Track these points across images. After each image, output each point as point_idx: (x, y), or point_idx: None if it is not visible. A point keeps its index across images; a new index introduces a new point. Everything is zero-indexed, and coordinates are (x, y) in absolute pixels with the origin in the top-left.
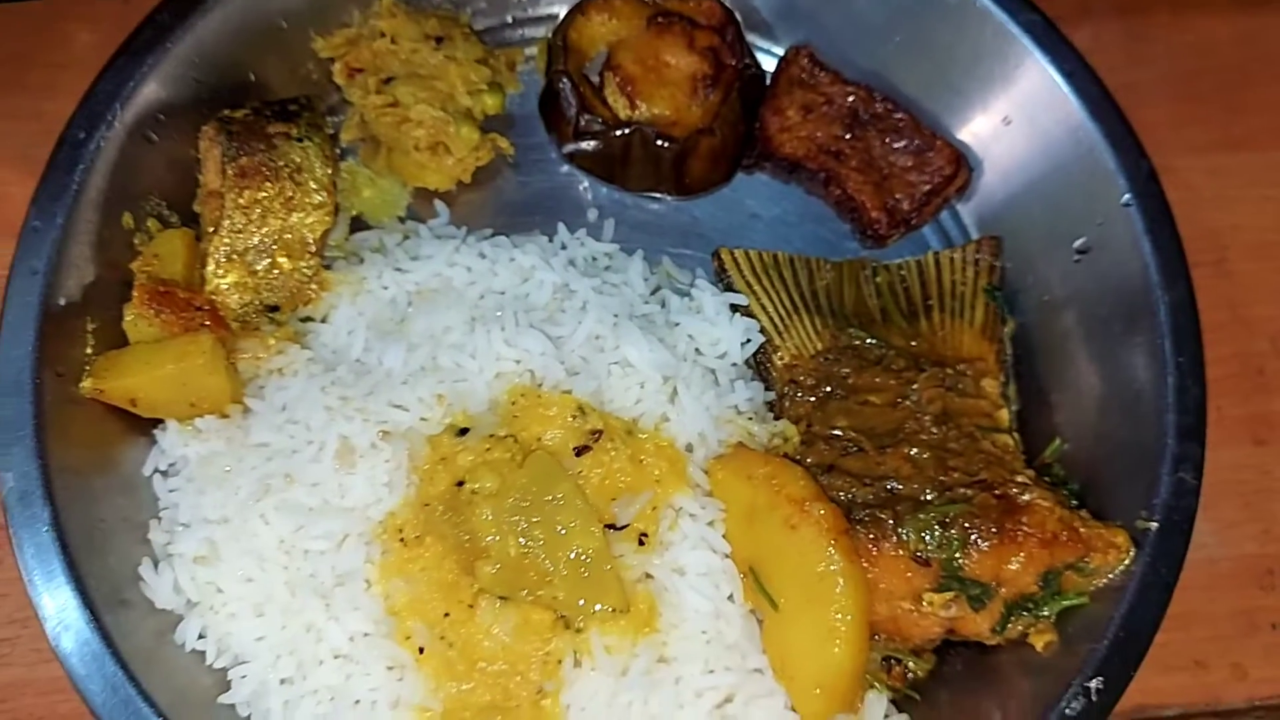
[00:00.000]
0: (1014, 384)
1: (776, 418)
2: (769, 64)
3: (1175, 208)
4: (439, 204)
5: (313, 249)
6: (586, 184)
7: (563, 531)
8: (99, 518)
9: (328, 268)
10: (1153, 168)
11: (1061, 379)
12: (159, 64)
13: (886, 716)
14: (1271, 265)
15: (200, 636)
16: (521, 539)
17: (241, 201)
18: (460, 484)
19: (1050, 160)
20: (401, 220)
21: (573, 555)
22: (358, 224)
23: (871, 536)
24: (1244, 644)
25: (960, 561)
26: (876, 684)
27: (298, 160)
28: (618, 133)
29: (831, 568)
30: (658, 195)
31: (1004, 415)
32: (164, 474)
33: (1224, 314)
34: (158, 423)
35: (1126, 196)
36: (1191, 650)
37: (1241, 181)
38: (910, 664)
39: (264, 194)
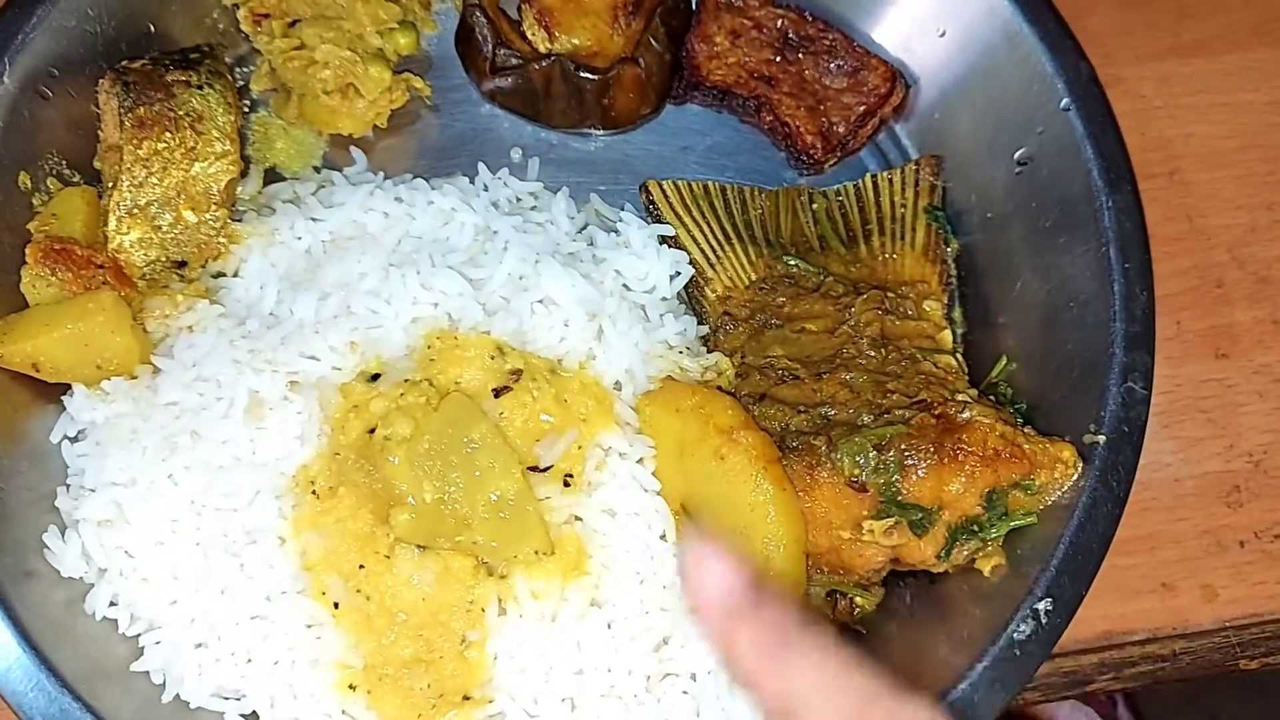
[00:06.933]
0: (959, 307)
1: (710, 351)
2: None
3: (1125, 118)
4: (355, 151)
5: (218, 200)
6: (509, 124)
7: (479, 474)
8: None
9: (238, 221)
10: (1093, 70)
11: (1008, 298)
12: (48, 16)
13: None
14: (1227, 174)
15: (112, 604)
16: (437, 484)
17: (141, 153)
18: (372, 431)
19: (987, 71)
20: (317, 170)
21: (492, 498)
22: (272, 177)
23: (805, 464)
24: (1212, 564)
25: (899, 485)
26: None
27: (198, 108)
28: (536, 66)
29: (761, 497)
30: (586, 131)
31: (946, 337)
32: (73, 440)
33: (1181, 225)
34: (68, 388)
35: (1065, 100)
36: (1158, 573)
37: (1193, 89)
38: (857, 598)
39: (163, 145)
